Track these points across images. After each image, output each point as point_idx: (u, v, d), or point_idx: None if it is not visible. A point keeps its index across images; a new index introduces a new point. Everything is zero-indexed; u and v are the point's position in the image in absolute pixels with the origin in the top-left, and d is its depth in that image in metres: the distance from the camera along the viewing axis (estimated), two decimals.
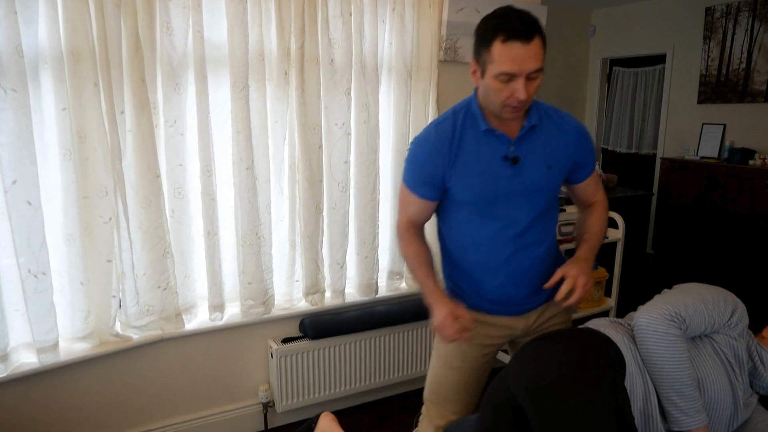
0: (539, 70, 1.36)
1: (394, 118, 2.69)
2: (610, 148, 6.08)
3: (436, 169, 1.51)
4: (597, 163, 4.49)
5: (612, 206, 3.14)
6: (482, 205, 1.52)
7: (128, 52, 2.05)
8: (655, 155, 5.46)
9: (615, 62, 5.93)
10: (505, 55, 1.33)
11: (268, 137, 2.39)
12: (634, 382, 1.45)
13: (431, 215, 1.64)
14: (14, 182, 1.92)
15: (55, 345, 2.10)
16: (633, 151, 5.90)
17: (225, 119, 2.31)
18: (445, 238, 1.66)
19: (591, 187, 1.69)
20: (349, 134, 2.55)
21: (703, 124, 4.97)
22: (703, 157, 4.87)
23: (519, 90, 1.35)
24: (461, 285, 1.66)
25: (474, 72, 1.45)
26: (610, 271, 3.10)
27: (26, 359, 2.10)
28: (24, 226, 1.96)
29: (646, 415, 1.45)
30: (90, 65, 1.99)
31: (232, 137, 2.30)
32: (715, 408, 1.49)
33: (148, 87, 2.12)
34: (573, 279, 1.45)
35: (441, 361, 1.70)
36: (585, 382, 1.20)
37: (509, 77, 1.34)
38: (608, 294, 3.14)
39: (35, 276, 2.00)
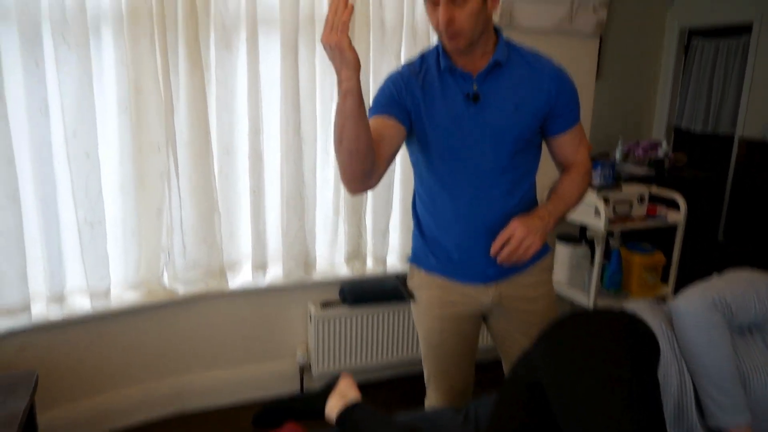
0: None
1: None
2: (684, 127, 5.90)
3: (401, 94, 1.48)
4: (662, 139, 4.40)
5: (679, 188, 3.13)
6: (446, 144, 1.50)
7: (183, 12, 2.22)
8: (733, 136, 5.29)
9: (694, 33, 5.72)
10: None
11: (316, 99, 2.53)
12: (669, 372, 1.40)
13: (389, 151, 1.45)
14: (74, 133, 2.14)
15: (107, 292, 2.34)
16: (709, 130, 5.72)
17: (274, 80, 2.46)
18: (415, 192, 1.67)
19: (570, 144, 1.58)
20: None
21: None
22: None
23: (440, 15, 1.35)
24: (428, 243, 1.64)
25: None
26: (669, 256, 3.09)
27: (80, 303, 2.34)
28: (82, 176, 2.18)
29: (681, 407, 1.41)
30: (147, 24, 2.17)
31: (280, 97, 2.45)
32: (763, 409, 1.40)
33: (201, 46, 2.29)
34: (510, 231, 1.42)
35: (423, 340, 1.75)
36: (603, 362, 1.24)
37: (431, 4, 1.37)
38: (666, 280, 3.13)
39: (91, 225, 2.23)
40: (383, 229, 2.79)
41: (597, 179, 2.90)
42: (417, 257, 1.70)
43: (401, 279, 1.75)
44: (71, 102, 2.11)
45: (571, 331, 1.39)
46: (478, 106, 1.47)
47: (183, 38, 2.25)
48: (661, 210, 3.01)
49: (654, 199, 3.01)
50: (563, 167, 1.64)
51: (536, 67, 1.51)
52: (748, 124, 5.15)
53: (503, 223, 1.49)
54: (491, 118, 1.47)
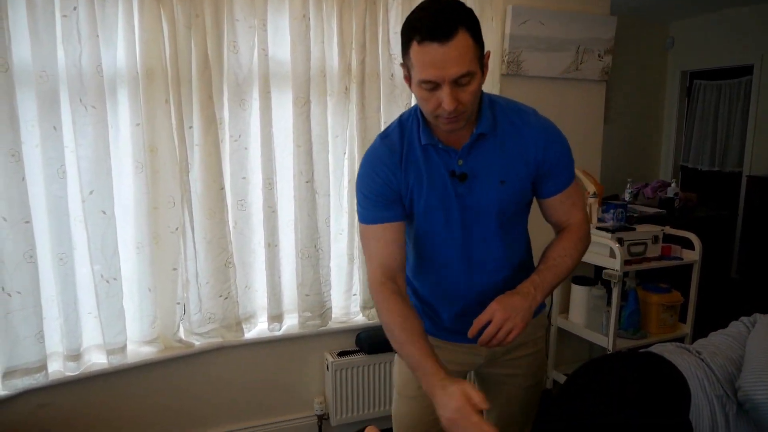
0: (468, 75, 1.12)
1: None
2: (690, 166, 5.76)
3: (390, 183, 1.30)
4: (667, 181, 4.27)
5: (692, 227, 2.99)
6: (431, 222, 1.33)
7: (197, 71, 2.17)
8: (740, 173, 5.14)
9: (695, 75, 5.64)
10: (421, 59, 1.11)
11: (329, 151, 2.45)
12: (701, 414, 1.33)
13: (404, 252, 1.34)
14: (91, 192, 2.07)
15: (124, 347, 2.23)
16: (716, 168, 5.56)
17: (287, 134, 2.39)
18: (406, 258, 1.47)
19: (563, 206, 1.38)
20: None
21: None
22: None
23: (444, 99, 1.13)
24: (422, 305, 1.47)
25: (405, 78, 1.23)
26: (686, 295, 2.93)
27: (97, 359, 2.23)
28: (99, 234, 2.10)
29: None
30: (162, 83, 2.12)
31: (293, 151, 2.38)
32: None
33: (215, 103, 2.23)
34: (488, 314, 1.23)
35: (398, 390, 1.53)
36: (613, 410, 1.15)
37: (432, 85, 1.13)
38: (683, 320, 2.96)
39: (107, 281, 2.13)
40: None
41: (610, 221, 2.78)
42: None
43: None
44: (88, 163, 2.05)
45: (589, 379, 1.31)
46: (465, 185, 1.31)
47: (197, 96, 2.19)
48: (676, 249, 2.87)
49: (667, 239, 2.87)
50: (557, 229, 1.45)
51: (521, 129, 1.32)
52: (755, 161, 5.00)
53: (497, 290, 1.32)
54: (479, 195, 1.31)
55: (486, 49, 1.19)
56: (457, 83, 1.13)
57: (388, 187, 1.30)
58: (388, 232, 1.30)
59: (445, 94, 1.13)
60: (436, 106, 1.16)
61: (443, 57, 1.09)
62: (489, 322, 1.22)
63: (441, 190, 1.31)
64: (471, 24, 1.13)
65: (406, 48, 1.15)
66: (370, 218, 1.32)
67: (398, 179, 1.30)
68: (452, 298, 1.41)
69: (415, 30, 1.11)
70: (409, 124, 1.33)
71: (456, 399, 1.08)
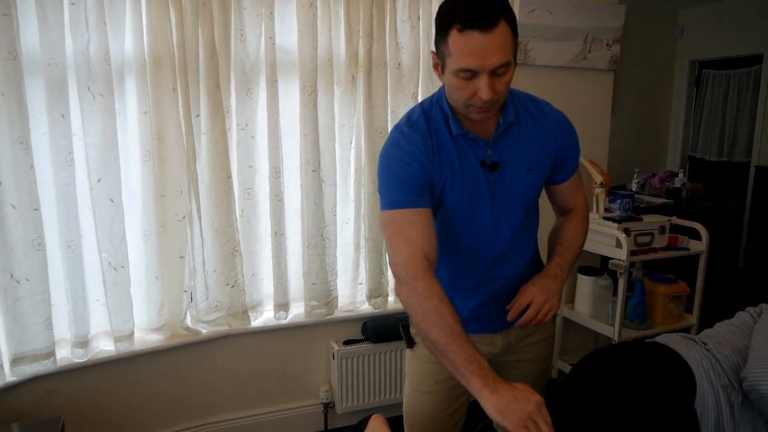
0: (506, 65, 1.14)
1: None
2: (698, 156, 5.73)
3: (425, 168, 1.28)
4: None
5: (699, 218, 2.99)
6: (462, 214, 1.35)
7: (204, 59, 2.17)
8: (749, 163, 5.10)
9: (704, 64, 5.59)
10: (462, 47, 1.11)
11: (335, 140, 2.45)
12: (706, 403, 1.34)
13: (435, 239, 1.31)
14: (99, 180, 2.08)
15: (131, 335, 2.25)
16: (724, 159, 5.53)
17: (294, 122, 2.39)
18: None
19: (572, 190, 1.48)
20: None
21: None
22: None
23: (482, 89, 1.14)
24: None
25: (435, 66, 1.23)
26: (692, 285, 2.93)
27: (105, 346, 2.25)
28: (106, 221, 2.11)
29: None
30: (169, 71, 2.12)
31: (300, 140, 2.38)
32: None
33: (222, 92, 2.23)
34: (537, 306, 1.30)
35: (411, 385, 1.53)
36: (617, 401, 1.15)
37: (471, 74, 1.14)
38: (689, 310, 2.96)
39: (115, 269, 2.15)
40: None
41: (617, 211, 2.78)
42: None
43: (404, 323, 1.54)
44: (96, 151, 2.06)
45: (594, 368, 1.33)
46: (495, 174, 1.32)
47: (204, 84, 2.19)
48: (683, 240, 2.87)
49: (674, 229, 2.87)
50: (562, 212, 1.54)
51: (540, 118, 1.36)
52: (764, 152, 4.97)
53: (519, 282, 1.38)
54: (508, 183, 1.34)
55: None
56: (494, 73, 1.14)
57: (424, 172, 1.28)
58: (424, 218, 1.27)
59: (483, 84, 1.14)
60: (471, 95, 1.17)
61: (485, 46, 1.10)
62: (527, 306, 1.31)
63: (473, 180, 1.32)
64: (509, 14, 1.14)
65: (443, 36, 1.15)
66: (404, 202, 1.27)
67: (433, 167, 1.29)
68: (476, 288, 1.42)
69: (455, 18, 1.11)
70: (433, 113, 1.32)
71: (535, 394, 1.08)
